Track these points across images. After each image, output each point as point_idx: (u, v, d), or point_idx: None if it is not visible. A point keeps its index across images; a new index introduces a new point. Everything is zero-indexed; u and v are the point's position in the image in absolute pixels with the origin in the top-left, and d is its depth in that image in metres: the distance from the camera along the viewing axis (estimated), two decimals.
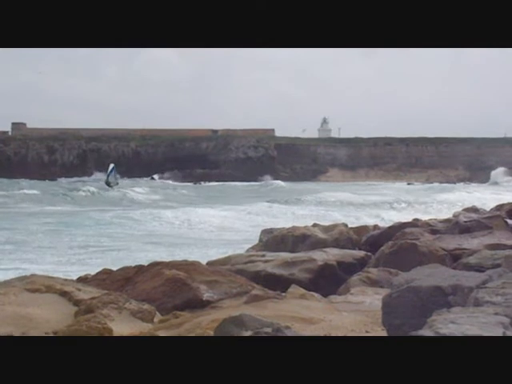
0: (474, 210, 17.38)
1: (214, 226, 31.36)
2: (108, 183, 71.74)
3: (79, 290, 8.58)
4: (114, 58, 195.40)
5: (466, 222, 13.60)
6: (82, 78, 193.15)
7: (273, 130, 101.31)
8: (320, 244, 13.82)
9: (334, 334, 6.15)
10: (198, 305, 8.86)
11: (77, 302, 8.04)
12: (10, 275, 11.36)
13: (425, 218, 17.38)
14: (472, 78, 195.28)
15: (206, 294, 9.07)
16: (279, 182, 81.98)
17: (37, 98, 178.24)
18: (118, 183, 72.89)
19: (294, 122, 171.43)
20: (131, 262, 13.64)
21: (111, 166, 76.03)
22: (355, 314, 7.53)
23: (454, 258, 10.59)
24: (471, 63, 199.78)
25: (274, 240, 14.85)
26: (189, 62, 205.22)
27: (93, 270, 11.22)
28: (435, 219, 15.91)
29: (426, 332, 3.49)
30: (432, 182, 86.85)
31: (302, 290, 8.89)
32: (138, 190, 63.19)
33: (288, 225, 17.69)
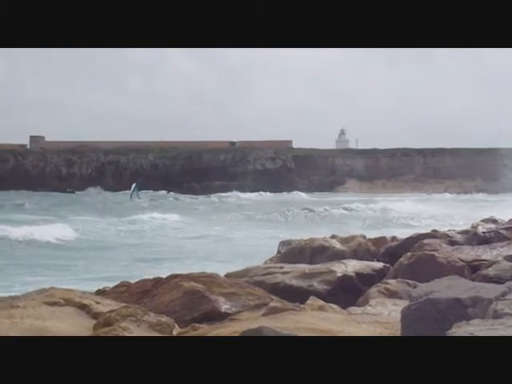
0: (492, 220, 17.30)
1: None
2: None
3: (98, 302, 8.60)
4: (133, 71, 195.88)
5: (484, 232, 13.54)
6: (100, 90, 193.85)
7: (290, 142, 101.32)
8: (338, 256, 13.78)
9: None
10: (216, 317, 8.85)
11: (95, 315, 8.06)
12: None
13: None
14: (490, 90, 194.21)
15: (225, 306, 9.06)
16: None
17: (54, 111, 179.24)
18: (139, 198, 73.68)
19: (311, 133, 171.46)
20: None
21: (133, 185, 76.79)
22: (374, 325, 7.50)
23: (473, 270, 10.54)
24: (490, 76, 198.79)
25: (291, 252, 14.83)
26: (206, 74, 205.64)
27: None
28: (454, 230, 15.84)
29: None
30: (451, 193, 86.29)
31: (321, 302, 8.86)
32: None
33: None
